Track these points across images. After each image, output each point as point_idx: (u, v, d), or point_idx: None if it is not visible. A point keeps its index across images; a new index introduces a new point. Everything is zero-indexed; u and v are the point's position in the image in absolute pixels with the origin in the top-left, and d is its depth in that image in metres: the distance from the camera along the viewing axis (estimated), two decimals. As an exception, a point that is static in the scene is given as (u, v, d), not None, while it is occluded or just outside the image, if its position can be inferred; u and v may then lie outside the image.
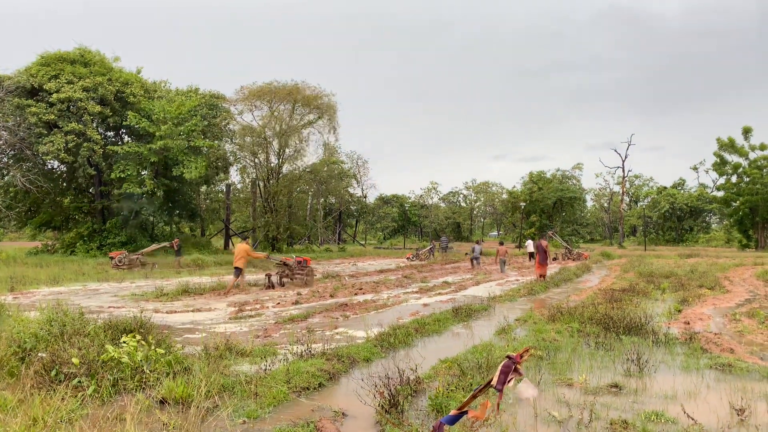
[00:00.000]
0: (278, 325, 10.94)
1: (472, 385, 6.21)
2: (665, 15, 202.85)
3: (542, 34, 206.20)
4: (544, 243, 21.43)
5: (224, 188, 52.18)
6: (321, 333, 10.00)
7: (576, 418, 5.39)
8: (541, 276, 20.57)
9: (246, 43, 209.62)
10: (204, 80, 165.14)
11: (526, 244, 36.52)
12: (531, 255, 36.26)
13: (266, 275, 18.39)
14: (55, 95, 32.87)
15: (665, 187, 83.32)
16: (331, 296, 15.68)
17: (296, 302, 14.35)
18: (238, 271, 16.90)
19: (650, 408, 5.75)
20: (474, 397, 2.85)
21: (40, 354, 6.62)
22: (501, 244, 28.92)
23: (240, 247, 17.41)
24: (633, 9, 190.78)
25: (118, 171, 34.86)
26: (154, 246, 29.66)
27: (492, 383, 2.69)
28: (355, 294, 16.31)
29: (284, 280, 18.59)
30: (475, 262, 30.32)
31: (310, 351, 7.70)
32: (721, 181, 62.82)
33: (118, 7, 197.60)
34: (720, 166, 59.42)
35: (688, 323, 11.10)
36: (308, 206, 58.14)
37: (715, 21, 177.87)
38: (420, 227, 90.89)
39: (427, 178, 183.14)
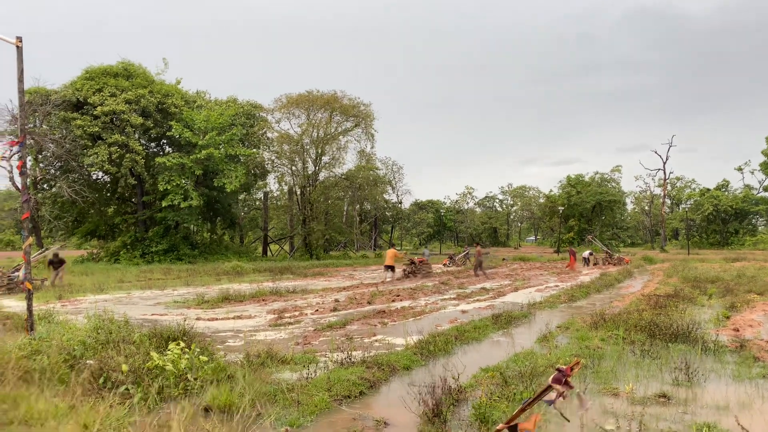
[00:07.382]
0: (317, 332, 10.97)
1: (515, 394, 6.11)
2: (696, 14, 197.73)
3: (570, 36, 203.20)
4: None
5: (262, 196, 52.97)
6: (360, 340, 10.00)
7: (624, 429, 5.24)
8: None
9: (281, 59, 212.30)
10: (240, 91, 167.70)
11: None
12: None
13: (403, 270, 25.65)
14: (99, 108, 33.95)
15: (708, 189, 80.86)
16: (369, 303, 15.66)
17: (334, 309, 14.39)
18: (392, 268, 23.43)
19: (702, 419, 5.56)
20: (523, 410, 2.80)
21: (88, 361, 6.77)
22: (477, 244, 29.86)
23: (390, 251, 24.22)
24: (663, 9, 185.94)
25: (164, 182, 35.76)
26: None
27: (542, 397, 2.64)
28: (393, 301, 16.26)
29: (411, 275, 25.21)
30: None
31: (350, 358, 7.71)
32: (769, 181, 60.87)
33: (156, 25, 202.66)
34: (768, 165, 57.65)
35: (738, 330, 10.73)
36: (344, 213, 58.48)
37: (748, 19, 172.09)
38: (456, 232, 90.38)
39: (459, 185, 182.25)
